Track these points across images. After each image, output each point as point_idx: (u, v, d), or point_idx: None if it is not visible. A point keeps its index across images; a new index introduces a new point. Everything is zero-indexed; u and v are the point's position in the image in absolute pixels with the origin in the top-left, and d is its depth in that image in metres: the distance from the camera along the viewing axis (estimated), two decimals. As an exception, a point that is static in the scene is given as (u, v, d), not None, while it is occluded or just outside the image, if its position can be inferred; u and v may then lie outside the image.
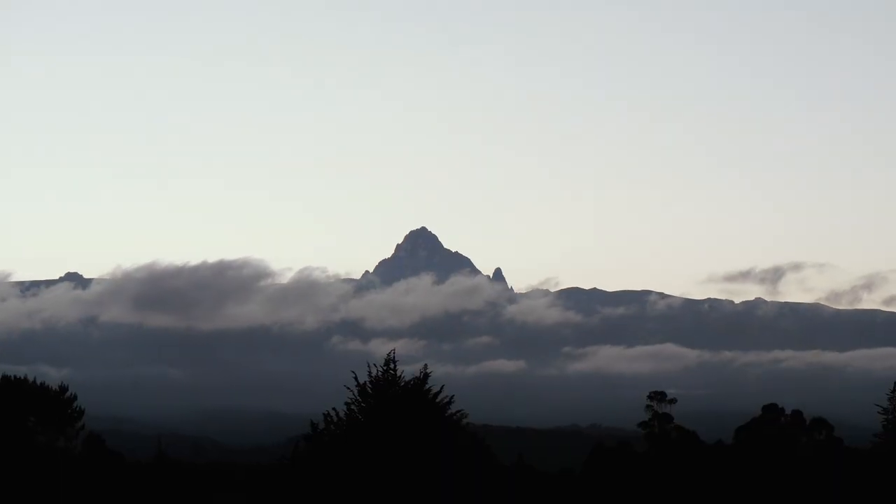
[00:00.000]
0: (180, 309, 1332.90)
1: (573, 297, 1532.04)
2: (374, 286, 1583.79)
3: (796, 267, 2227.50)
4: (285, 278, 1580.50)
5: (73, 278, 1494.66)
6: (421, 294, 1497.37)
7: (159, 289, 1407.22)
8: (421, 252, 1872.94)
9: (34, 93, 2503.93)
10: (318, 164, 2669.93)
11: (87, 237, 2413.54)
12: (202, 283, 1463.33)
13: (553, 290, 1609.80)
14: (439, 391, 67.41)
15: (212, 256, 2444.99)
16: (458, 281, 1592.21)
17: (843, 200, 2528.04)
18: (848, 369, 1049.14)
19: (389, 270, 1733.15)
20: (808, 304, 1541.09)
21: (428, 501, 63.64)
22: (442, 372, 72.22)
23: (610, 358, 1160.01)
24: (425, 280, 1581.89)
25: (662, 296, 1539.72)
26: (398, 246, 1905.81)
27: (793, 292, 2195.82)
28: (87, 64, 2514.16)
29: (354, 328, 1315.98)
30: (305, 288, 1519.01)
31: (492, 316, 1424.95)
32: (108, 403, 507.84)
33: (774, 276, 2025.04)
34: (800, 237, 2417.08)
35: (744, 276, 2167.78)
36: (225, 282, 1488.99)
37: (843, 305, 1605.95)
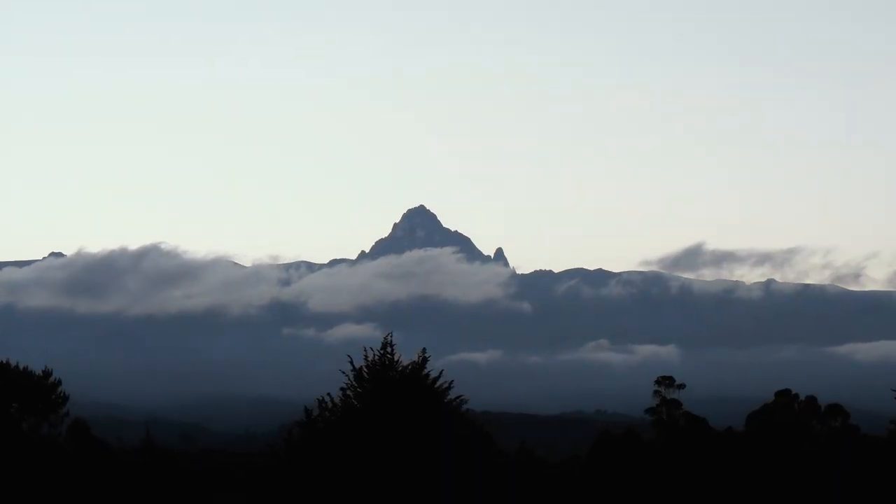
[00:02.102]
0: (146, 293, 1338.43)
1: (574, 277, 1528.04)
2: (365, 265, 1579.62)
3: (808, 248, 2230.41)
4: (252, 260, 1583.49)
5: (10, 264, 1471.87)
6: (407, 274, 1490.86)
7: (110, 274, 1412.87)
8: (419, 231, 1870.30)
9: None
10: (311, 138, 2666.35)
11: (31, 220, 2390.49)
12: (170, 265, 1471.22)
13: (556, 270, 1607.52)
14: (438, 376, 67.36)
15: (189, 239, 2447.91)
16: (447, 261, 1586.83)
17: (844, 181, 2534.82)
18: (860, 354, 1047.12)
19: (386, 251, 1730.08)
20: (823, 285, 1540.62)
21: (427, 490, 63.75)
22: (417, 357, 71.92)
23: (614, 342, 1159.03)
24: (413, 258, 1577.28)
25: (670, 277, 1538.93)
26: (395, 225, 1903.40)
27: (804, 274, 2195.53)
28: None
29: (334, 311, 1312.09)
30: (268, 270, 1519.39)
31: (485, 298, 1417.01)
32: (85, 389, 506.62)
33: (785, 257, 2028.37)
34: (810, 218, 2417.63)
35: (755, 257, 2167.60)
36: (189, 265, 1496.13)
37: (856, 287, 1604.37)
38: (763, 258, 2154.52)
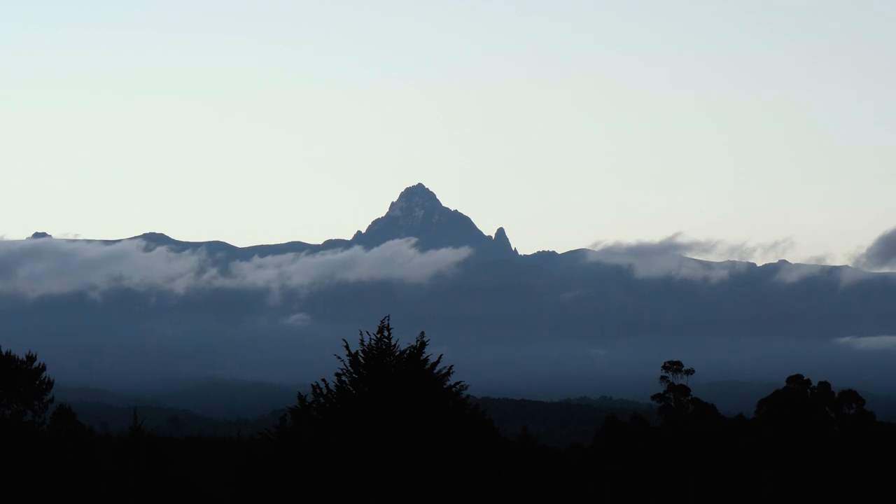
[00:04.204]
0: (133, 278, 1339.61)
1: (577, 258, 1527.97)
2: (360, 249, 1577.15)
3: (817, 232, 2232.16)
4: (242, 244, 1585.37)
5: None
6: (388, 261, 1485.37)
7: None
8: (417, 211, 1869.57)
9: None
10: (307, 118, 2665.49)
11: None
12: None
13: (560, 251, 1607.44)
14: (437, 361, 66.99)
15: (183, 225, 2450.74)
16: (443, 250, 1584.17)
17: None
18: (863, 344, 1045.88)
19: (382, 231, 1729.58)
20: (836, 266, 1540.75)
21: (425, 478, 63.49)
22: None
23: (614, 329, 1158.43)
24: (409, 245, 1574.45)
25: (677, 260, 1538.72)
26: (393, 204, 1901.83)
27: (817, 257, 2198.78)
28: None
29: (329, 300, 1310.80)
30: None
31: (479, 287, 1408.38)
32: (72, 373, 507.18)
33: (779, 248, 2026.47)
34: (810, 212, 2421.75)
35: (764, 243, 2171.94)
36: (178, 250, 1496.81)
37: (868, 269, 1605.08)
38: (762, 248, 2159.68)
